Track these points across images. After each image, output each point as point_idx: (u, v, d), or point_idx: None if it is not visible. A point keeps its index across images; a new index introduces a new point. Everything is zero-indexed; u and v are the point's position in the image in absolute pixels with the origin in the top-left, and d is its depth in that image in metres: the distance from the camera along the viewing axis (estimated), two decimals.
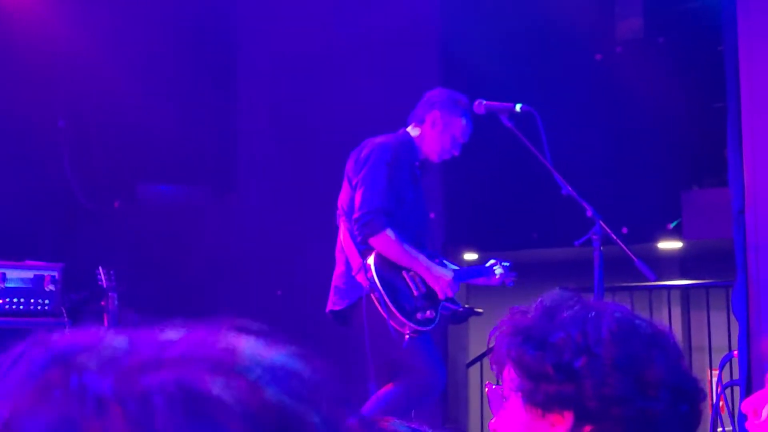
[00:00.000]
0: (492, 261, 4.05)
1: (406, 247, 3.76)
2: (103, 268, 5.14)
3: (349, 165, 3.91)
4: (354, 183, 3.82)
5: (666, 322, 6.05)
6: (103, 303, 5.09)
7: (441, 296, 3.82)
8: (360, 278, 3.75)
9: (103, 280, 5.12)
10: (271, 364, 0.53)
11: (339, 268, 3.88)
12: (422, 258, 3.80)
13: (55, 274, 4.92)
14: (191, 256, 5.96)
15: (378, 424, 0.90)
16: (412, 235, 3.88)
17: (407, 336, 3.71)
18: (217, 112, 6.22)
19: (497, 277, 4.00)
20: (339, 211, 3.94)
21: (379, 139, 3.88)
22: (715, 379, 4.93)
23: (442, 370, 3.81)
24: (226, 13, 6.19)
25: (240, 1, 6.24)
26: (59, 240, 5.68)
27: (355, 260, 3.78)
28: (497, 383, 1.41)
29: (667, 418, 1.28)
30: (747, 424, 1.55)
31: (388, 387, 3.75)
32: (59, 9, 5.70)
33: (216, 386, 0.49)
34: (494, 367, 1.38)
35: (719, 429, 4.77)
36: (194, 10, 5.89)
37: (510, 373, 1.34)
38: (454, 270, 3.92)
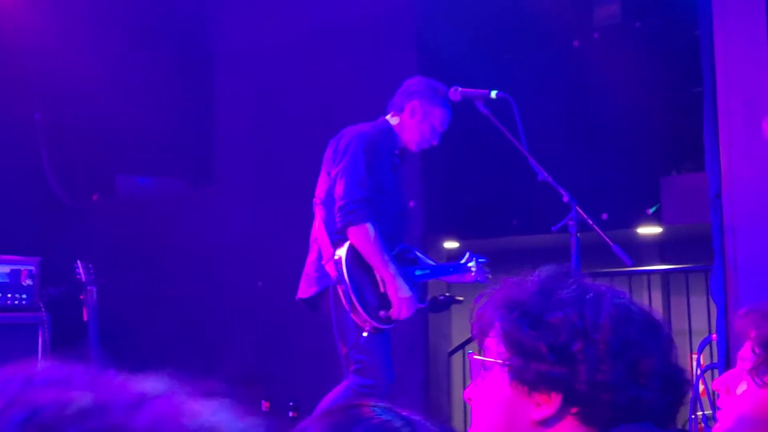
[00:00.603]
0: (466, 257, 4.04)
1: (381, 246, 3.72)
2: (81, 262, 5.11)
3: (328, 154, 3.88)
4: (334, 173, 3.80)
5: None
6: (82, 297, 5.07)
7: (394, 315, 3.72)
8: (329, 268, 3.74)
9: (82, 274, 5.09)
10: None
11: (311, 256, 3.87)
12: (392, 266, 3.74)
13: (32, 268, 4.90)
14: (171, 248, 5.94)
15: (357, 409, 0.88)
16: (391, 224, 3.87)
17: (366, 332, 3.68)
18: (194, 104, 6.20)
19: (471, 274, 3.99)
20: (315, 200, 3.92)
21: (357, 128, 3.86)
22: (695, 363, 4.96)
23: (391, 373, 3.75)
24: (201, 4, 6.15)
25: None
26: (36, 234, 5.64)
27: (327, 249, 3.76)
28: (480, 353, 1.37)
29: (653, 405, 1.27)
30: (719, 402, 1.55)
31: (341, 385, 3.71)
32: (34, 2, 5.65)
33: None
34: (476, 335, 1.35)
35: (699, 412, 4.81)
36: (170, 1, 5.85)
37: (498, 346, 1.31)
38: (425, 272, 3.92)
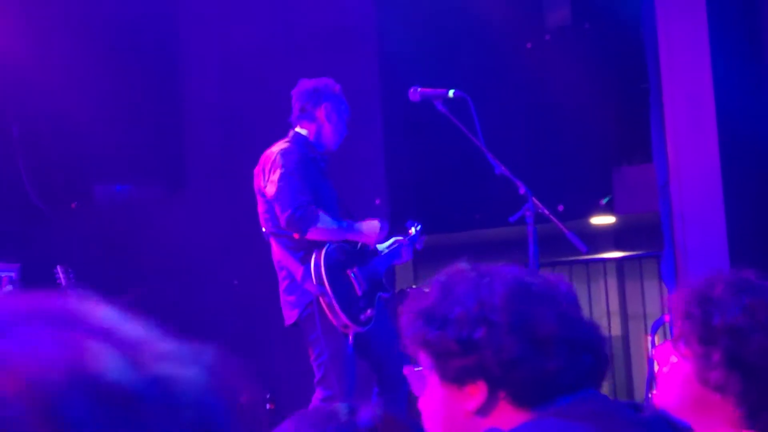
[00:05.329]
0: (397, 238, 4.18)
1: (340, 225, 3.87)
2: (61, 267, 5.20)
3: (258, 182, 3.94)
4: (271, 197, 3.85)
5: (603, 293, 6.33)
6: None
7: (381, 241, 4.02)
8: (308, 286, 3.80)
9: (62, 279, 5.17)
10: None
11: (282, 284, 3.93)
12: (354, 226, 3.94)
13: (13, 274, 4.98)
14: (148, 251, 6.05)
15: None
16: None
17: (351, 340, 3.80)
18: (164, 110, 6.31)
19: (406, 248, 4.14)
20: (265, 230, 3.96)
21: (276, 148, 3.94)
22: (649, 344, 5.21)
23: (352, 381, 3.87)
24: (168, 13, 6.29)
25: (181, 1, 6.37)
26: (16, 241, 5.73)
27: (298, 270, 3.83)
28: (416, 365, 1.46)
29: (570, 371, 1.29)
30: (657, 371, 1.65)
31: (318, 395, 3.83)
32: (3, 15, 5.76)
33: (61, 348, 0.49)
34: (409, 350, 1.41)
35: (654, 391, 5.06)
36: (137, 10, 5.98)
37: (422, 355, 1.38)
38: (378, 257, 4.07)
